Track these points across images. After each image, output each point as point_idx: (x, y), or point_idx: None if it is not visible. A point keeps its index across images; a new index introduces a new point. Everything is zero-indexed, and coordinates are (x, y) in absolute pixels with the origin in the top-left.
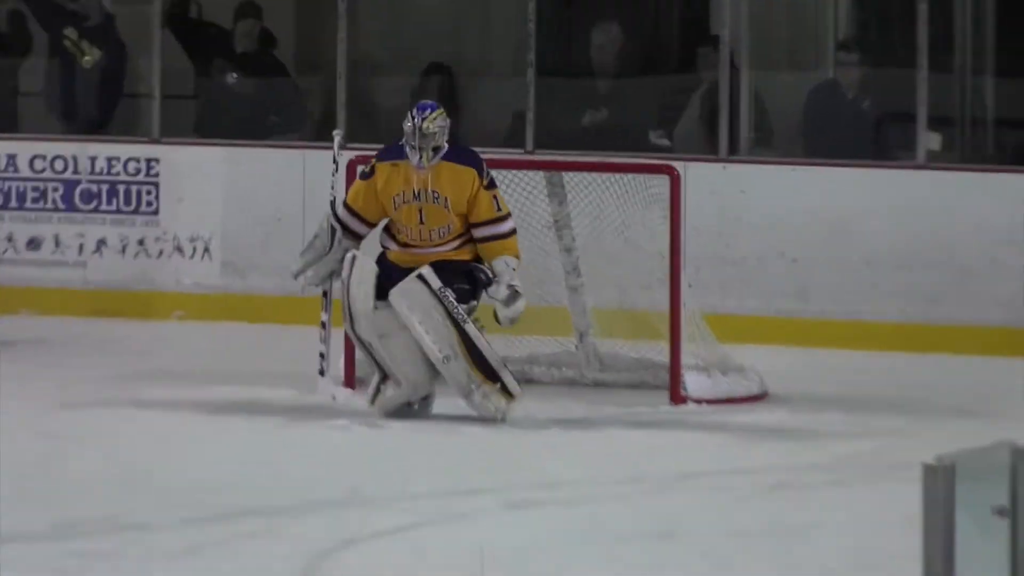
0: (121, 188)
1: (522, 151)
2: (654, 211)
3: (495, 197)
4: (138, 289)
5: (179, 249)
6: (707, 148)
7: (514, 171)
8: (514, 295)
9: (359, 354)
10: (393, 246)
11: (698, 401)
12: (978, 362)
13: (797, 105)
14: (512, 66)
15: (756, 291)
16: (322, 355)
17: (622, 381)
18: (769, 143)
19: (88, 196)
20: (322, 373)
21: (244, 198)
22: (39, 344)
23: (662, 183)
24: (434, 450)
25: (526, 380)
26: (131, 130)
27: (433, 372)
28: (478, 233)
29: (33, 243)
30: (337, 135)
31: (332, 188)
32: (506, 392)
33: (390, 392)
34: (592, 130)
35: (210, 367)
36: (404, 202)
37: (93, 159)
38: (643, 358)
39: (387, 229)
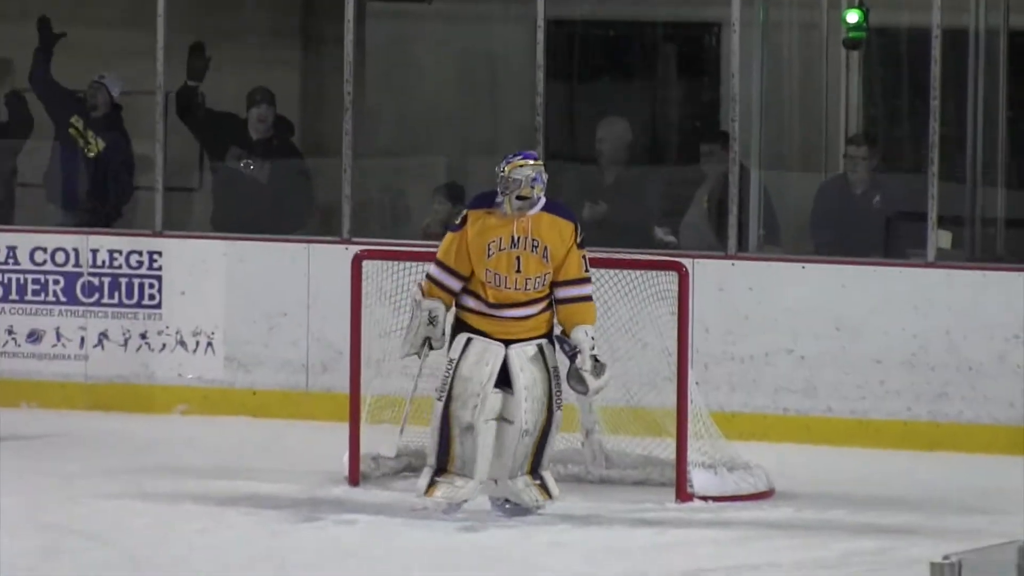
0: (123, 281)
1: None
2: (661, 308)
3: (584, 257)
4: (140, 383)
5: (182, 343)
6: (715, 244)
7: None
8: (601, 366)
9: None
10: (477, 305)
11: (704, 498)
12: (985, 460)
13: (806, 202)
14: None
15: (763, 388)
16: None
17: (628, 478)
18: (777, 240)
19: (90, 289)
20: (401, 433)
21: (247, 292)
22: (40, 438)
23: (670, 280)
24: (441, 546)
25: None
26: (133, 223)
27: None
28: (562, 293)
29: (34, 336)
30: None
31: None
32: (544, 490)
33: (459, 483)
34: (594, 224)
35: (212, 461)
36: (500, 249)
37: (95, 252)
38: (649, 455)
39: (467, 289)
